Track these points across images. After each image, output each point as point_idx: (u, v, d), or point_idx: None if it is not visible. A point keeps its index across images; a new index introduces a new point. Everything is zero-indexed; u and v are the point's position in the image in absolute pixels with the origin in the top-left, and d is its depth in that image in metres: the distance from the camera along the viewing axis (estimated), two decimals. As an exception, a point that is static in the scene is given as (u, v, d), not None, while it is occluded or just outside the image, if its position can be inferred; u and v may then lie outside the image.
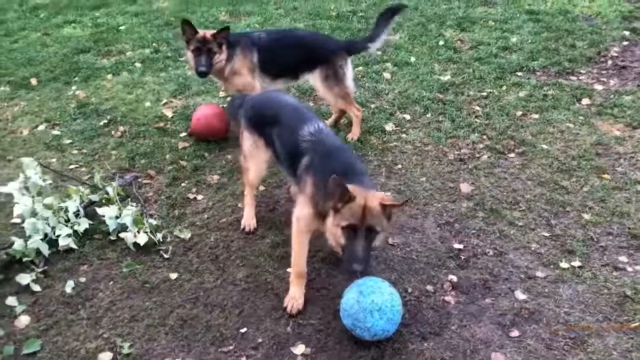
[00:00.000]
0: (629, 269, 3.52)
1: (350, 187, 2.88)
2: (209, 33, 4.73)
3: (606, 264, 3.57)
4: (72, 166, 4.75)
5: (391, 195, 3.48)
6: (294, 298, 3.32)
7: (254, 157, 3.80)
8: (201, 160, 4.78)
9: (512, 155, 4.70)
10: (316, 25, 7.42)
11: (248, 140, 3.82)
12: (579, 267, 3.55)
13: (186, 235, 3.91)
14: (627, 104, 5.28)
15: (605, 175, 4.37)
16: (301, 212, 3.27)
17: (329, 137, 3.40)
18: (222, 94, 5.87)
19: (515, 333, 3.14)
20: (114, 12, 8.52)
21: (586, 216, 3.96)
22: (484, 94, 5.65)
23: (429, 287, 3.48)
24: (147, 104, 5.75)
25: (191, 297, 3.44)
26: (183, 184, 4.49)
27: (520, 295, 3.38)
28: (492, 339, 3.12)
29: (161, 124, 5.35)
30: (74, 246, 3.76)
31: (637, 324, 3.14)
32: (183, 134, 5.17)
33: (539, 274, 3.52)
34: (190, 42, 4.72)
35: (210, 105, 5.27)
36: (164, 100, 5.81)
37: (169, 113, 5.54)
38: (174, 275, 3.59)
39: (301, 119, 3.47)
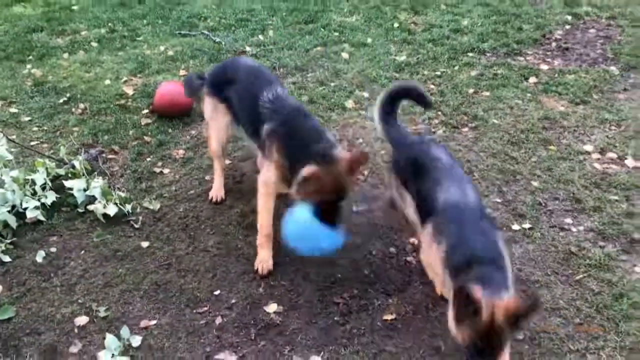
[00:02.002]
0: (574, 229, 3.82)
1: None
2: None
3: (553, 225, 3.86)
4: (33, 142, 4.72)
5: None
6: (264, 260, 3.46)
7: (214, 121, 3.87)
8: (165, 136, 4.83)
9: (466, 129, 4.96)
10: (273, 6, 7.50)
11: (209, 105, 3.90)
12: (529, 228, 3.82)
13: (155, 206, 3.98)
14: (570, 82, 5.62)
15: (552, 147, 4.67)
16: (266, 176, 3.39)
17: (290, 101, 3.51)
18: (182, 71, 5.91)
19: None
20: (65, -8, 8.34)
21: (535, 183, 4.25)
22: (438, 73, 5.89)
23: (392, 250, 3.68)
24: (107, 82, 5.72)
25: (164, 264, 3.53)
26: (148, 159, 4.54)
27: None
28: (451, 293, 3.35)
29: (122, 102, 5.36)
30: (42, 218, 3.77)
31: (581, 276, 3.43)
32: (145, 111, 5.19)
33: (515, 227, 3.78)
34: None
35: (173, 82, 5.32)
36: (124, 79, 5.80)
37: (129, 91, 5.54)
38: (145, 244, 3.67)
39: (261, 83, 3.55)
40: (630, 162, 4.46)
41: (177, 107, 5.00)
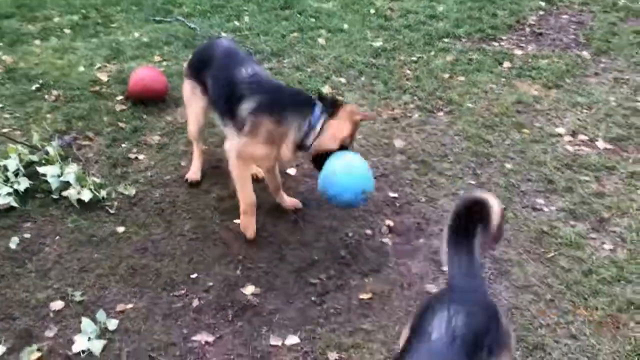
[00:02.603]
0: (546, 209, 3.90)
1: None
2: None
3: (526, 205, 3.93)
4: (5, 129, 4.63)
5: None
6: (249, 225, 3.55)
7: (192, 104, 3.90)
8: (140, 122, 4.79)
9: (441, 113, 5.01)
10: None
11: (187, 87, 3.93)
12: (503, 209, 3.88)
13: (130, 191, 3.95)
14: (544, 66, 5.71)
15: (525, 130, 4.75)
16: (247, 149, 3.42)
17: (269, 77, 3.59)
18: (157, 58, 5.85)
19: (446, 267, 3.43)
20: (36, -22, 8.17)
21: (508, 165, 4.32)
22: (414, 58, 5.93)
23: (368, 231, 3.72)
24: (81, 68, 5.64)
25: (140, 248, 3.51)
26: (123, 145, 4.50)
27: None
28: (426, 273, 3.41)
29: (96, 88, 5.29)
30: (15, 204, 3.72)
31: (552, 254, 3.51)
32: (120, 97, 5.13)
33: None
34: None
35: (147, 68, 5.26)
36: (98, 65, 5.72)
37: (103, 77, 5.47)
38: (121, 229, 3.65)
39: (238, 61, 3.56)
40: (600, 143, 4.56)
41: (152, 92, 4.96)
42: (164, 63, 5.76)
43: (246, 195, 3.53)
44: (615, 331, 3.01)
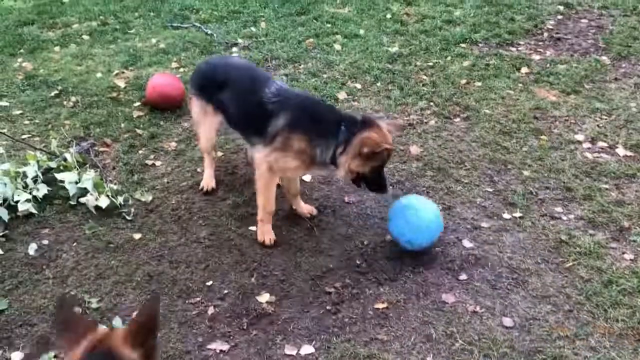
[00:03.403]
0: (564, 217, 3.84)
1: None
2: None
3: (544, 214, 3.88)
4: (24, 136, 4.70)
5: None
6: (267, 231, 3.60)
7: (203, 122, 3.89)
8: (157, 128, 4.82)
9: (458, 119, 4.97)
10: (266, -2, 7.48)
11: (196, 107, 3.91)
12: (520, 217, 3.85)
13: (147, 198, 3.98)
14: (562, 72, 5.64)
15: (543, 137, 4.69)
16: (277, 163, 3.46)
17: (296, 90, 3.64)
18: (174, 64, 5.90)
19: (463, 276, 3.40)
20: (56, -15, 8.29)
21: (526, 173, 4.27)
22: (430, 64, 5.90)
23: (384, 239, 3.70)
24: (99, 75, 5.71)
25: (156, 255, 3.53)
26: (140, 151, 4.54)
27: (467, 243, 3.64)
28: (442, 282, 3.37)
29: (114, 94, 5.34)
30: (33, 211, 3.77)
31: (570, 264, 3.45)
32: (137, 104, 5.18)
33: (483, 224, 3.79)
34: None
35: (164, 74, 5.31)
36: (116, 71, 5.78)
37: (121, 83, 5.53)
38: (137, 236, 3.67)
39: (259, 80, 3.58)
40: (620, 150, 4.49)
41: (169, 99, 4.99)
42: (181, 69, 5.80)
43: (268, 204, 3.58)
44: (636, 344, 2.95)
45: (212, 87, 3.75)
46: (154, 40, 6.47)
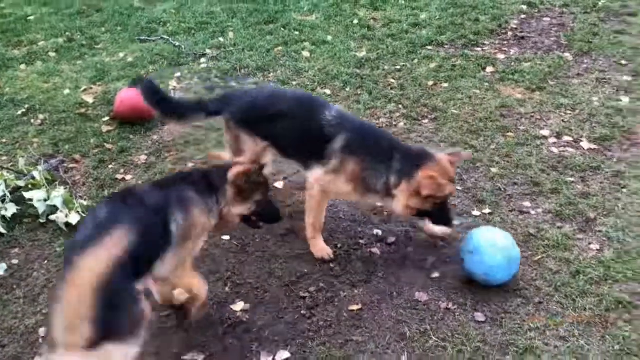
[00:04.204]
0: (532, 212, 3.92)
1: None
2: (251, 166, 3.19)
3: (512, 209, 3.95)
4: (-9, 156, 4.65)
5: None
6: (322, 248, 3.60)
7: (249, 152, 3.62)
8: (127, 142, 4.80)
9: (426, 121, 5.04)
10: (233, 8, 7.50)
11: (249, 142, 3.63)
12: (489, 213, 3.91)
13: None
14: (526, 70, 5.75)
15: (510, 134, 4.78)
16: (331, 186, 3.46)
17: (353, 116, 3.63)
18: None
19: (436, 274, 3.45)
20: (20, 2, 8.23)
21: (494, 170, 4.34)
22: (398, 67, 5.97)
23: (357, 241, 3.73)
24: (66, 91, 5.66)
25: (129, 269, 3.51)
26: (110, 166, 4.51)
27: (439, 241, 3.69)
28: (415, 281, 3.41)
29: (82, 110, 5.31)
30: (3, 231, 3.73)
31: (540, 257, 3.52)
32: (106, 118, 5.16)
33: (454, 222, 3.83)
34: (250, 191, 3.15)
35: (133, 88, 5.28)
36: (83, 87, 5.75)
37: (89, 99, 5.50)
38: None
39: (317, 106, 3.57)
40: (585, 144, 4.60)
41: (138, 113, 4.97)
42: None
43: (317, 223, 3.59)
44: (604, 331, 3.01)
45: (262, 121, 3.60)
46: (121, 55, 6.45)
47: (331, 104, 3.69)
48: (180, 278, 2.90)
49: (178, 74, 5.94)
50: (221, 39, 6.72)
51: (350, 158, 3.38)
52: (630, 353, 2.89)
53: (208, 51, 6.41)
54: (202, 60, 6.24)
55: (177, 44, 6.58)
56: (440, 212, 3.36)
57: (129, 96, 5.01)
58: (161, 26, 7.21)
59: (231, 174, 3.00)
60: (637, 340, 2.95)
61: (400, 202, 3.31)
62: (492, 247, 3.21)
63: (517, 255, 3.27)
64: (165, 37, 6.80)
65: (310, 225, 3.61)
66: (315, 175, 3.51)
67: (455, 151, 3.86)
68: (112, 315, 2.26)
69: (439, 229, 3.66)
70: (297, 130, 3.56)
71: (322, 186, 3.49)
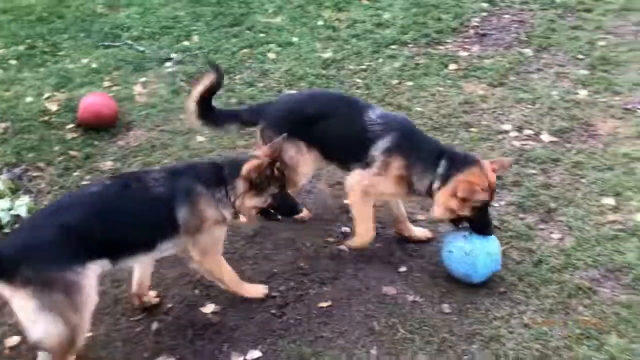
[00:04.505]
0: (496, 204, 3.98)
1: None
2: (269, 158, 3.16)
3: (476, 202, 4.04)
4: (-47, 167, 4.56)
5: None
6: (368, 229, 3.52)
7: (302, 161, 3.58)
8: (92, 149, 4.77)
9: (392, 119, 5.10)
10: (197, 12, 7.47)
11: (291, 149, 3.52)
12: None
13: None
14: (488, 66, 5.87)
15: (473, 129, 4.88)
16: (380, 187, 3.41)
17: (396, 116, 3.63)
18: (107, 83, 5.83)
19: (403, 269, 3.51)
20: (-22, 10, 8.05)
21: (458, 165, 4.42)
22: (363, 67, 6.03)
23: (325, 239, 3.77)
24: (29, 99, 5.57)
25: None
26: (76, 173, 4.47)
27: (405, 235, 3.75)
28: (383, 276, 3.48)
29: (46, 118, 5.24)
30: (-35, 242, 3.66)
31: (503, 248, 3.59)
32: (70, 125, 5.10)
33: (420, 217, 3.92)
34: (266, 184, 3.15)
35: (97, 94, 5.25)
36: (47, 95, 5.66)
37: (53, 107, 5.42)
38: (76, 258, 3.61)
39: (359, 106, 3.57)
40: (545, 137, 4.72)
41: (103, 118, 4.94)
42: (114, 88, 5.74)
43: (367, 230, 3.50)
44: (565, 317, 3.12)
45: (303, 125, 3.53)
46: (85, 61, 6.37)
47: (373, 104, 3.66)
48: (205, 267, 3.13)
49: (143, 79, 5.91)
50: (186, 43, 6.69)
51: (397, 158, 3.35)
52: (590, 337, 2.99)
53: (173, 55, 6.38)
54: (167, 64, 6.21)
55: (142, 48, 6.53)
56: (480, 218, 3.29)
57: (92, 102, 4.98)
58: (125, 31, 7.12)
59: (244, 168, 3.03)
60: (597, 324, 3.06)
61: (440, 203, 3.28)
62: (487, 255, 3.25)
63: (499, 261, 3.34)
64: (129, 42, 6.74)
65: (358, 234, 3.52)
66: (354, 179, 3.46)
67: (498, 159, 3.84)
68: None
69: (420, 232, 3.75)
70: (341, 130, 3.51)
71: (363, 188, 3.42)
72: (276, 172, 3.13)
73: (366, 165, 3.41)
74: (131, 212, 2.84)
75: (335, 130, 3.51)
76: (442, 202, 3.26)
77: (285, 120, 3.56)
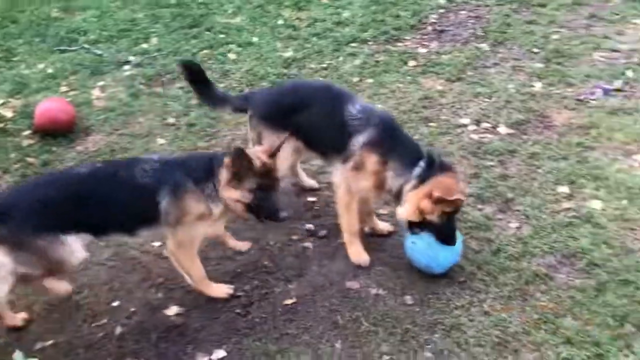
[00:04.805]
0: (456, 196, 4.09)
1: None
2: (264, 156, 3.17)
3: (437, 195, 4.11)
4: None
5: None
6: (359, 253, 3.54)
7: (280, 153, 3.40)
8: (50, 155, 4.68)
9: (353, 116, 5.15)
10: (156, 14, 7.40)
11: (271, 138, 3.51)
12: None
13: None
14: (446, 62, 5.97)
15: (432, 124, 4.96)
16: (358, 181, 3.41)
17: (380, 111, 3.57)
18: (64, 88, 5.73)
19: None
20: None
21: (418, 159, 4.49)
22: (324, 65, 6.07)
23: (289, 237, 3.79)
24: (-18, 107, 5.45)
25: (57, 283, 3.44)
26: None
27: (367, 230, 3.80)
28: (346, 271, 3.51)
29: (1, 125, 5.13)
30: None
31: (463, 238, 3.68)
32: (27, 132, 5.00)
33: (382, 211, 3.97)
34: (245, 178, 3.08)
35: (54, 99, 5.16)
36: (1, 101, 5.54)
37: (8, 113, 5.30)
38: (35, 266, 3.56)
39: (342, 98, 3.53)
40: (502, 129, 4.83)
41: (60, 124, 4.86)
42: (71, 93, 5.65)
43: (351, 225, 3.53)
44: (523, 303, 3.20)
45: (286, 114, 3.53)
46: (41, 66, 6.25)
47: (356, 96, 3.64)
48: (177, 258, 3.20)
49: (101, 83, 5.83)
50: (144, 45, 6.62)
51: (374, 153, 3.33)
52: (547, 321, 3.08)
53: (131, 58, 6.31)
54: (126, 67, 6.13)
55: (99, 52, 6.44)
56: (445, 226, 3.24)
57: (49, 108, 4.89)
58: (81, 35, 7.01)
59: (227, 158, 3.04)
60: (554, 308, 3.15)
61: (412, 203, 3.23)
62: (449, 248, 3.29)
63: (459, 253, 3.40)
64: (86, 46, 6.63)
65: (343, 228, 3.56)
66: (340, 176, 3.48)
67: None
68: None
69: (383, 225, 3.80)
70: (321, 121, 3.49)
71: (347, 185, 3.45)
72: (259, 166, 3.06)
73: (345, 159, 3.42)
74: (111, 198, 2.97)
75: (315, 121, 3.51)
76: (414, 202, 3.21)
77: (269, 109, 3.62)
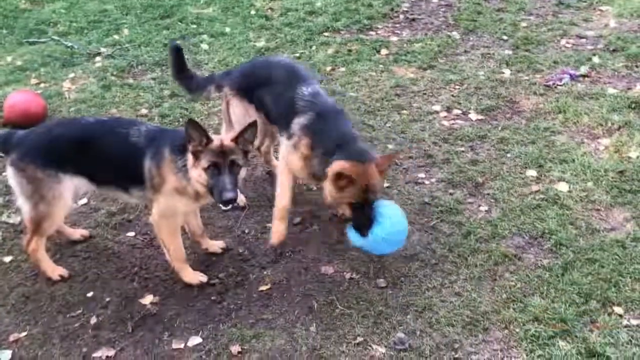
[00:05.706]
0: (427, 182, 4.16)
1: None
2: (228, 138, 3.08)
3: (408, 181, 4.18)
4: None
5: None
6: (280, 230, 3.57)
7: (243, 124, 3.33)
8: (21, 148, 4.62)
9: (326, 104, 5.18)
10: (126, 5, 7.32)
11: (238, 108, 3.79)
12: (387, 187, 4.10)
13: (15, 220, 3.84)
14: (418, 50, 6.03)
15: (404, 111, 5.02)
16: (291, 158, 3.53)
17: (328, 100, 3.60)
18: (34, 80, 5.66)
19: (339, 247, 3.60)
20: None
21: (390, 146, 4.55)
22: (297, 55, 6.08)
23: (264, 226, 3.82)
24: (-51, 101, 5.35)
25: (30, 275, 3.44)
26: (4, 173, 4.32)
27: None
28: (321, 257, 3.56)
29: (-31, 119, 5.05)
30: None
31: (434, 222, 3.76)
32: (-4, 125, 4.94)
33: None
34: (201, 156, 3.00)
35: (23, 92, 5.10)
36: (-31, 95, 5.45)
37: (-24, 107, 5.22)
38: (8, 259, 3.56)
39: (299, 78, 3.63)
40: (473, 115, 4.92)
41: (30, 116, 4.78)
42: (42, 85, 5.58)
43: (283, 200, 3.58)
44: (493, 283, 3.29)
45: (253, 86, 3.74)
46: (9, 59, 6.16)
47: (313, 79, 3.73)
48: (159, 229, 3.29)
49: (72, 75, 5.76)
50: (116, 37, 6.57)
51: (306, 137, 3.43)
52: (515, 300, 3.17)
53: (102, 49, 6.25)
54: (97, 59, 6.08)
55: (69, 44, 6.36)
56: (357, 216, 3.28)
57: (18, 100, 4.83)
58: (51, 27, 6.92)
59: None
60: (522, 288, 3.24)
61: (325, 188, 3.37)
62: (383, 240, 3.27)
63: (402, 237, 3.38)
64: (55, 37, 6.55)
65: (276, 202, 3.60)
66: (283, 152, 3.60)
67: (389, 154, 4.03)
68: None
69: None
70: (279, 97, 3.63)
71: (285, 162, 3.56)
72: (217, 145, 2.97)
73: (289, 136, 3.55)
74: (105, 148, 3.20)
75: (273, 96, 3.67)
76: (326, 187, 3.35)
77: (238, 80, 3.84)
